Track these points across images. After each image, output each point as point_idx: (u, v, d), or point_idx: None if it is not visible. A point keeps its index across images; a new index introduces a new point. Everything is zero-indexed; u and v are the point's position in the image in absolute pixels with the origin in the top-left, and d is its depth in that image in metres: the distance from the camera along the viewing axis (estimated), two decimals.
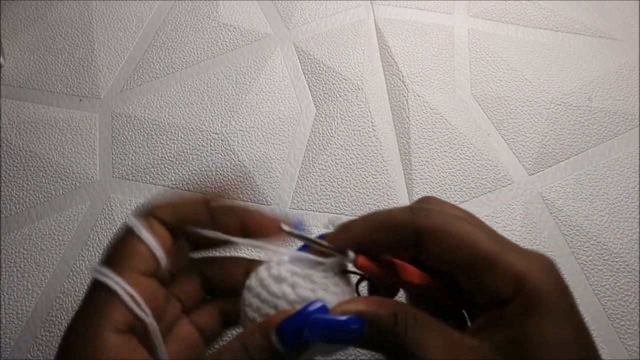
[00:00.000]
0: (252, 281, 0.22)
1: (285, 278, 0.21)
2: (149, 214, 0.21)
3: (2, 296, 0.37)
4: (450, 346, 0.18)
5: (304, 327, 0.19)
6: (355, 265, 0.22)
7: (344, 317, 0.19)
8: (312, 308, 0.20)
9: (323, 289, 0.21)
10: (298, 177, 0.41)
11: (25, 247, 0.39)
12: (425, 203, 0.24)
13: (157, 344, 0.20)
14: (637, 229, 0.37)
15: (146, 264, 0.20)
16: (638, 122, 0.42)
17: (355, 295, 0.23)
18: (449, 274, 0.21)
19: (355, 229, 0.22)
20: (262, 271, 0.22)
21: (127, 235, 0.21)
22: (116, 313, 0.19)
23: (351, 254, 0.21)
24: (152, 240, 0.20)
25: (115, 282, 0.19)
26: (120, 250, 0.20)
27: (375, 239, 0.21)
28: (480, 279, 0.19)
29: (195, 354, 0.23)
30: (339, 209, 0.39)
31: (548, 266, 0.19)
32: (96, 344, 0.18)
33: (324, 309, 0.20)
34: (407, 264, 0.23)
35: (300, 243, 0.23)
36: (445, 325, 0.19)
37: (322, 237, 0.22)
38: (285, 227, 0.21)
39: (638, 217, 0.38)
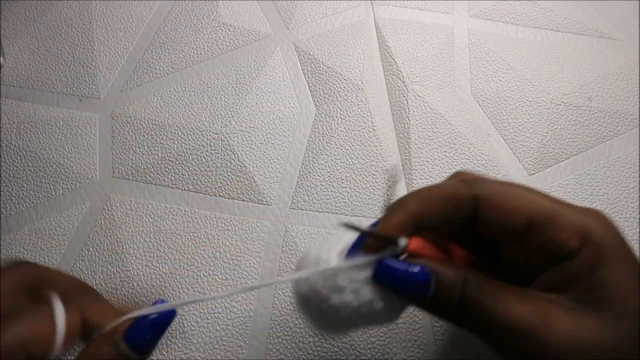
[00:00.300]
0: (305, 290, 0.22)
1: (344, 287, 0.21)
2: None
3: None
4: (531, 302, 0.19)
5: (149, 330, 0.20)
6: (408, 251, 0.21)
7: (415, 269, 0.19)
8: (163, 314, 0.20)
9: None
10: (298, 177, 0.41)
11: (25, 247, 0.39)
12: (463, 175, 0.23)
13: None
14: (637, 229, 0.37)
15: None
16: (638, 122, 0.42)
17: None
18: (495, 245, 0.21)
19: (409, 203, 0.21)
20: (314, 279, 0.21)
21: None
22: None
23: (402, 242, 0.20)
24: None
25: None
26: None
27: (432, 212, 0.21)
28: (544, 235, 0.19)
29: None
30: (339, 209, 0.39)
31: (605, 219, 0.20)
32: None
33: None
34: (453, 244, 0.23)
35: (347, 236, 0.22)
36: (516, 287, 0.19)
37: (374, 224, 0.22)
38: (345, 221, 0.21)
39: (638, 217, 0.38)
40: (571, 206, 0.20)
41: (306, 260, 0.22)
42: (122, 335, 0.20)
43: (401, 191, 0.40)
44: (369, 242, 0.21)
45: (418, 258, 0.20)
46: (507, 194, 0.20)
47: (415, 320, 0.34)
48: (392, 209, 0.22)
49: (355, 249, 0.22)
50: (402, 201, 0.22)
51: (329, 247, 0.22)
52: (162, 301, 0.21)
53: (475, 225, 0.21)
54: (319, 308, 0.21)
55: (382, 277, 0.20)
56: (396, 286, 0.20)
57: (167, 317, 0.21)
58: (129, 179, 0.41)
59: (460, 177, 0.23)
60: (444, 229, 0.22)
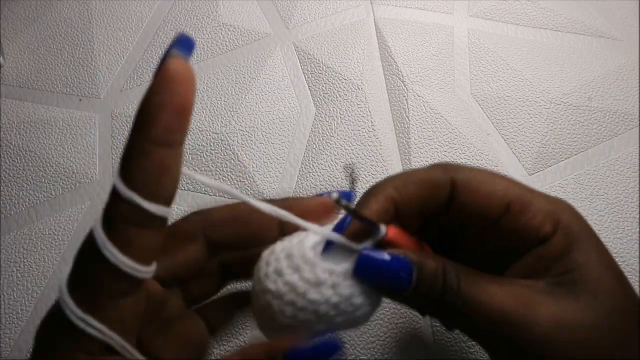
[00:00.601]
0: (279, 286, 0.19)
1: (324, 281, 0.19)
2: (126, 219, 0.16)
3: (2, 296, 0.37)
4: (512, 289, 0.19)
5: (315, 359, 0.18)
6: (386, 239, 0.20)
7: (400, 257, 0.19)
8: (328, 345, 0.18)
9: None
10: (298, 177, 0.41)
11: (25, 247, 0.39)
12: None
13: (131, 357, 0.18)
14: (637, 229, 0.37)
15: (124, 286, 0.17)
16: (638, 122, 0.42)
17: None
18: (459, 237, 0.22)
19: (387, 188, 0.21)
20: (288, 273, 0.19)
21: (95, 255, 0.17)
22: (85, 341, 0.17)
23: (382, 229, 0.20)
24: (127, 264, 0.16)
25: (80, 318, 0.16)
26: (91, 273, 0.17)
27: (410, 198, 0.21)
28: (520, 220, 0.20)
29: (198, 350, 0.21)
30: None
31: (571, 207, 0.21)
32: None
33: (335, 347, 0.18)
34: (424, 242, 0.22)
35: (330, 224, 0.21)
36: (494, 275, 0.20)
37: (346, 219, 0.21)
38: (335, 195, 0.19)
39: (638, 217, 0.38)
40: (541, 194, 0.21)
41: (274, 256, 0.20)
42: (282, 355, 0.18)
43: None
44: (352, 227, 0.20)
45: (396, 248, 0.20)
46: (483, 180, 0.20)
47: (415, 320, 0.34)
48: (369, 195, 0.21)
49: (339, 230, 0.20)
50: (378, 187, 0.21)
51: (299, 241, 0.20)
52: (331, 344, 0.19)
53: (448, 212, 0.21)
54: (295, 305, 0.19)
55: (363, 270, 0.19)
56: (377, 279, 0.19)
57: (333, 350, 0.18)
58: None
59: (439, 163, 0.23)
60: (419, 216, 0.22)
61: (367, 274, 0.19)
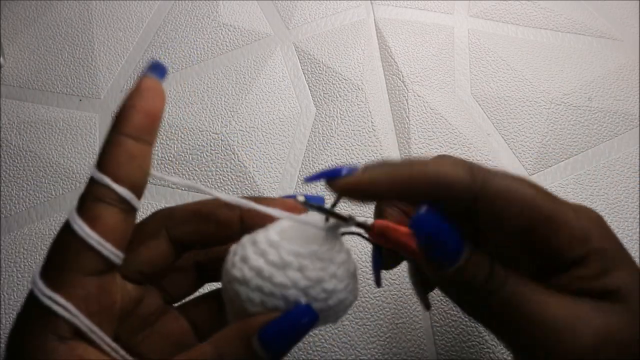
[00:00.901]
0: (245, 272, 0.19)
1: (290, 263, 0.18)
2: (96, 198, 0.18)
3: (2, 296, 0.37)
4: (561, 298, 0.18)
5: (292, 331, 0.18)
6: (372, 235, 0.19)
7: (456, 230, 0.18)
8: (300, 311, 0.18)
9: (332, 263, 0.19)
10: (298, 177, 0.41)
11: (25, 247, 0.39)
12: (453, 158, 0.20)
13: (103, 345, 0.18)
14: (637, 229, 0.37)
15: (91, 263, 0.18)
16: (638, 122, 0.42)
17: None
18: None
19: (401, 167, 0.18)
20: (253, 258, 0.19)
21: (65, 233, 0.18)
22: (54, 323, 0.17)
23: (368, 223, 0.19)
24: (93, 237, 0.18)
25: (47, 296, 0.17)
26: (60, 251, 0.18)
27: (416, 193, 0.18)
28: (550, 242, 0.18)
29: (181, 347, 0.21)
30: (338, 209, 0.39)
31: (601, 220, 0.20)
32: (40, 354, 0.17)
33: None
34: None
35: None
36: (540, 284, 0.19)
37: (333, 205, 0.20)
38: (300, 198, 0.19)
39: (638, 217, 0.38)
40: (569, 206, 0.19)
41: (240, 245, 0.20)
42: (256, 334, 0.18)
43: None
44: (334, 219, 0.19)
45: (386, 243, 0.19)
46: (513, 193, 0.18)
47: (415, 320, 0.34)
48: (377, 165, 0.19)
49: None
50: (370, 176, 0.19)
51: (264, 229, 0.20)
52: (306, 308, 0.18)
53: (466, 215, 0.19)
54: (262, 290, 0.18)
55: (422, 223, 0.18)
56: (430, 240, 0.18)
57: (310, 320, 0.18)
58: None
59: (454, 160, 0.20)
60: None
61: (423, 228, 0.18)
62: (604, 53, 0.46)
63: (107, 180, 0.18)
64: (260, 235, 0.20)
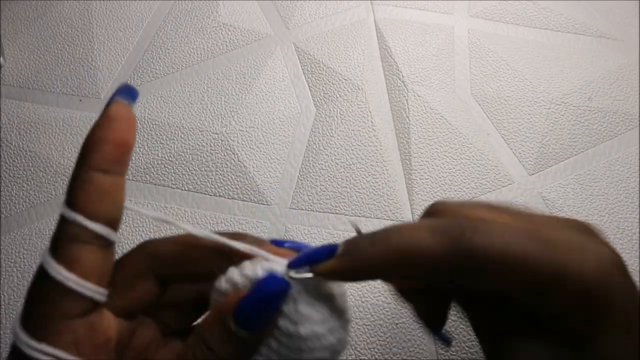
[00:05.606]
0: (225, 288, 0.19)
1: (309, 317, 0.18)
2: (71, 238, 0.18)
3: (2, 296, 0.37)
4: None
5: (264, 304, 0.18)
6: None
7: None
8: (267, 282, 0.18)
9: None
10: (298, 177, 0.41)
11: (25, 247, 0.39)
12: (441, 211, 0.19)
13: None
14: (637, 229, 0.37)
15: (74, 306, 0.17)
16: (638, 122, 0.42)
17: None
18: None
19: (358, 269, 0.18)
20: (241, 282, 0.19)
21: (42, 278, 0.17)
22: None
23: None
24: (72, 279, 0.17)
25: (33, 348, 0.17)
26: (40, 299, 0.17)
27: (392, 273, 0.18)
28: (544, 306, 0.17)
29: None
30: (339, 209, 0.39)
31: (611, 268, 0.16)
32: None
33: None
34: None
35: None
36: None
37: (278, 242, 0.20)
38: (292, 274, 0.18)
39: (638, 217, 0.38)
40: (574, 247, 0.16)
41: (227, 274, 0.19)
42: (231, 313, 0.18)
43: (401, 191, 0.40)
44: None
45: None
46: (506, 248, 0.16)
47: (415, 320, 0.34)
48: (354, 247, 0.18)
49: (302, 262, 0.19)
50: (357, 256, 0.18)
51: (252, 264, 0.19)
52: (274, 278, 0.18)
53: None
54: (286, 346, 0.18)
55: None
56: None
57: (278, 289, 0.18)
58: (129, 179, 0.41)
59: (439, 220, 0.18)
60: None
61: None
62: (604, 53, 0.46)
63: (81, 218, 0.17)
64: (247, 263, 0.19)
